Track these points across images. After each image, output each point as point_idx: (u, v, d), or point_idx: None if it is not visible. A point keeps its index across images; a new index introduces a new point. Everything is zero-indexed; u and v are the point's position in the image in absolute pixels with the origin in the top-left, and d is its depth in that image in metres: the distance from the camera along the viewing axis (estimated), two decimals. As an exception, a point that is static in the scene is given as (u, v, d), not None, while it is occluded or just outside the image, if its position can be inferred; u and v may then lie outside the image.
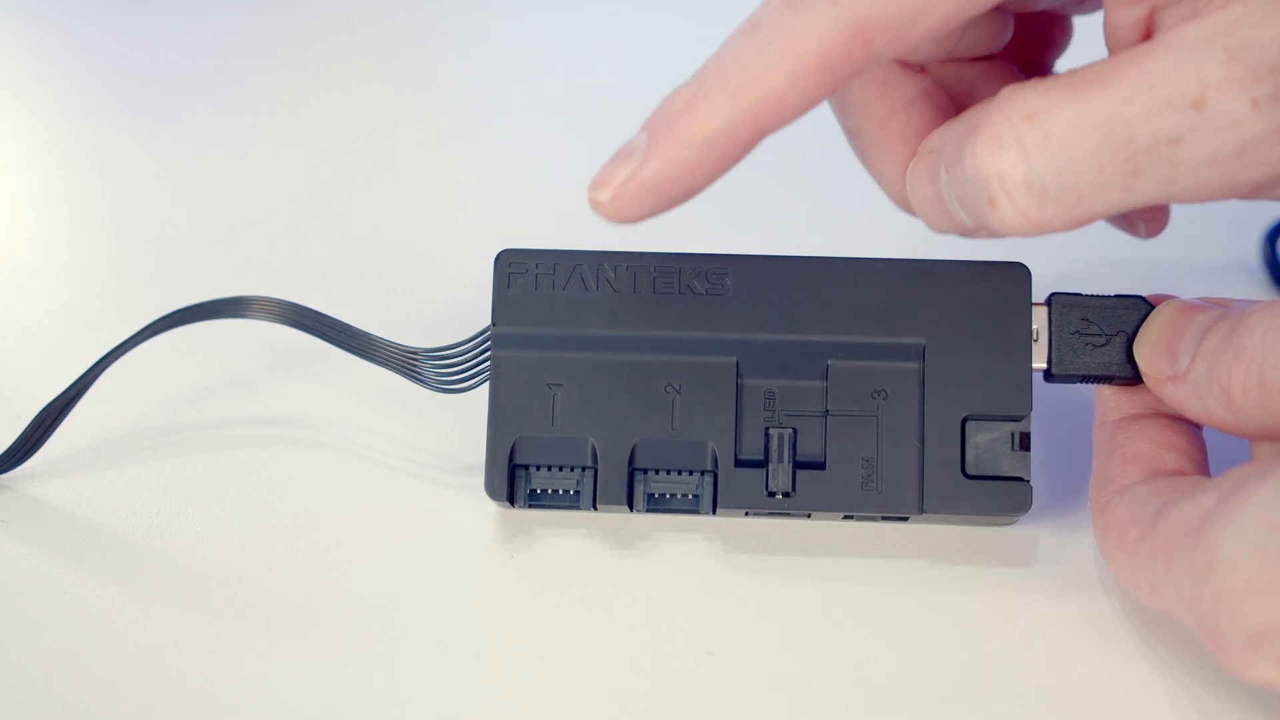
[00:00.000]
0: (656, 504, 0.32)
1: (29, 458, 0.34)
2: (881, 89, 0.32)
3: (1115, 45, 0.29)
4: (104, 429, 0.36)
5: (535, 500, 0.32)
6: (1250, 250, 0.40)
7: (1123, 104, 0.27)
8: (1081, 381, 0.31)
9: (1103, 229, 0.41)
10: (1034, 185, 0.27)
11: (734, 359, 0.32)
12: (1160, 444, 0.30)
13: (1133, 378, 0.31)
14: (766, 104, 0.27)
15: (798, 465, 0.31)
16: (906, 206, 0.33)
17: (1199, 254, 0.40)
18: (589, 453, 0.31)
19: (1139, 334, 0.31)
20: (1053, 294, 0.31)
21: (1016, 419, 0.31)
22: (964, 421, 0.31)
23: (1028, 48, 0.34)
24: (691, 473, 0.32)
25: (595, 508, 0.32)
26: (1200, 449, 0.30)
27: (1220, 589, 0.25)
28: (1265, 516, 0.24)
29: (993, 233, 0.29)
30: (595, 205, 0.28)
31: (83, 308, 0.40)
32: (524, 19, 0.51)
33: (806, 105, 0.27)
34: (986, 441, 0.31)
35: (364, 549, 0.33)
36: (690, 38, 0.49)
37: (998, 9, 0.32)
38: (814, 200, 0.43)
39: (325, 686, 0.30)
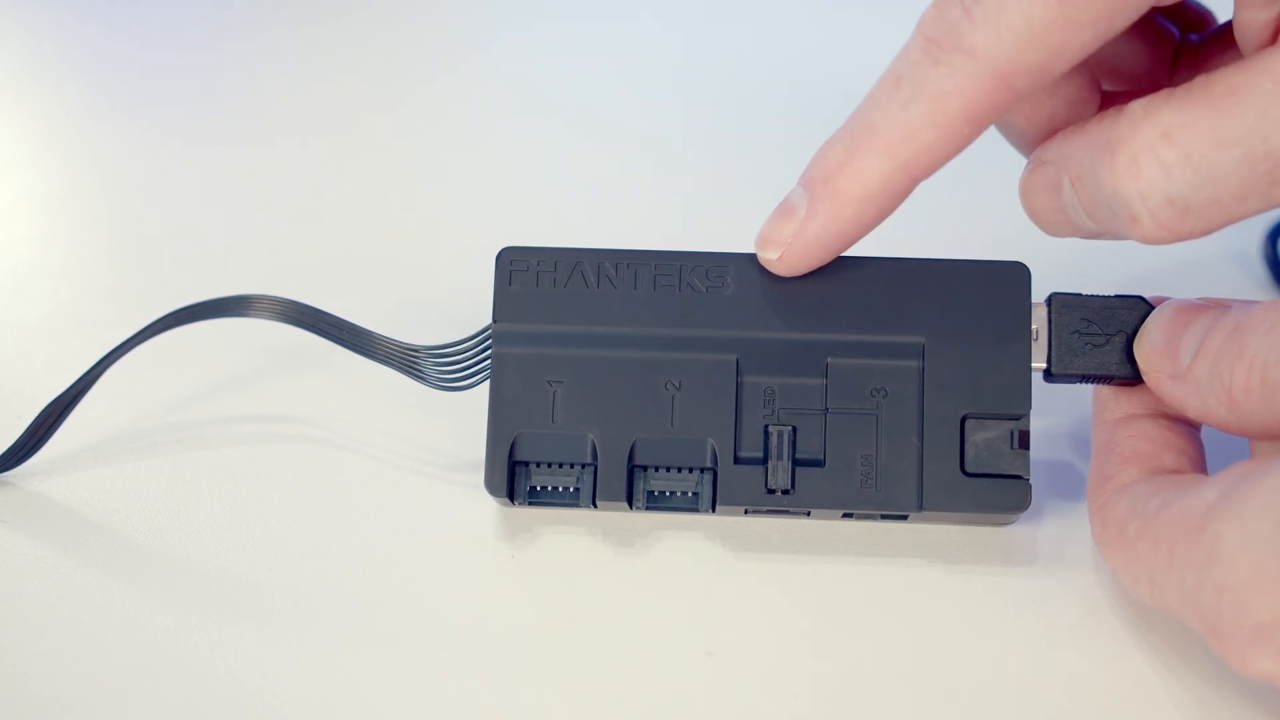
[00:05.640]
0: (656, 501, 0.32)
1: (31, 456, 0.34)
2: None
3: (1246, 45, 0.29)
4: (105, 428, 0.36)
5: (535, 497, 0.32)
6: (1251, 249, 0.40)
7: (1259, 117, 0.26)
8: (1081, 381, 0.31)
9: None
10: (1176, 202, 0.27)
11: (734, 357, 0.32)
12: (1159, 444, 0.30)
13: (1132, 378, 0.31)
14: (919, 158, 0.28)
15: (797, 463, 0.31)
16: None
17: (1199, 253, 0.40)
18: (589, 450, 0.31)
19: (1140, 333, 0.31)
20: (1053, 294, 0.31)
21: (1016, 417, 0.31)
22: (963, 420, 0.31)
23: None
24: (691, 470, 0.31)
25: (595, 505, 0.32)
26: (1198, 449, 0.30)
27: (1223, 581, 0.25)
28: (1270, 509, 0.24)
29: (1120, 239, 0.29)
30: (765, 262, 0.30)
31: (82, 308, 0.40)
32: (524, 16, 0.51)
33: (957, 151, 0.28)
34: (986, 440, 0.31)
35: (365, 547, 0.33)
36: (691, 34, 0.49)
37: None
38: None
39: (326, 685, 0.30)
